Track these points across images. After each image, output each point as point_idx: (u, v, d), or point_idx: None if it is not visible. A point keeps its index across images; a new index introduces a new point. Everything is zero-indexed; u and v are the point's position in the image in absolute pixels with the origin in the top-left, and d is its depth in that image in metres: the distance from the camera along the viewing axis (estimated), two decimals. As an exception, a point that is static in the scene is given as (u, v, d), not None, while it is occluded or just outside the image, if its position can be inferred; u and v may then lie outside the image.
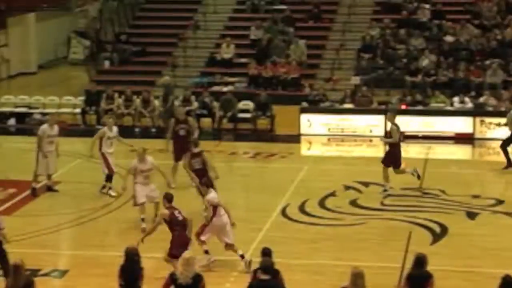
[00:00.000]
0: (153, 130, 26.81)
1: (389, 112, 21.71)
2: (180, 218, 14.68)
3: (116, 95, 27.68)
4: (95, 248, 15.64)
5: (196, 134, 20.49)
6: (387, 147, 20.49)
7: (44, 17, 37.00)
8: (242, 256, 15.43)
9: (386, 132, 21.11)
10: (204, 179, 16.52)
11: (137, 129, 26.88)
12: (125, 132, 26.01)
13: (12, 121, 28.01)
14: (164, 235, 14.79)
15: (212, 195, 15.56)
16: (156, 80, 29.23)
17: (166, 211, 14.69)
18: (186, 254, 11.78)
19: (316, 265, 15.94)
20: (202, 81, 30.47)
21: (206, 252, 15.47)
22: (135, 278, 12.27)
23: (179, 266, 11.65)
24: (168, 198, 14.88)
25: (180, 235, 14.55)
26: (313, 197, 19.73)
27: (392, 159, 20.05)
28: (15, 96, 29.30)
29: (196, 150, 18.39)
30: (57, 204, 19.47)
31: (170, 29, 33.69)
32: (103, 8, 35.90)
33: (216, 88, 29.41)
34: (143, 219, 17.39)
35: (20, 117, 27.97)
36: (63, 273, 15.60)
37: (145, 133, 26.03)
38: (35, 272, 15.01)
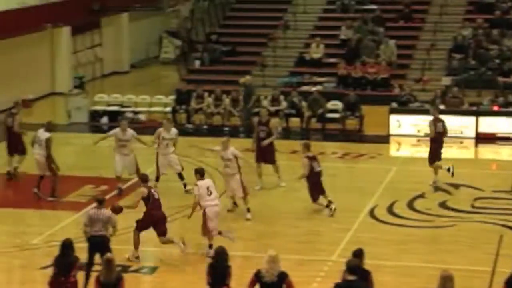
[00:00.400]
0: (242, 129, 26.97)
1: (433, 107, 22.61)
2: (157, 196, 15.69)
3: (206, 94, 27.94)
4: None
5: (274, 137, 20.54)
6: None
7: (136, 17, 37.62)
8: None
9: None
10: (197, 167, 16.89)
11: (226, 128, 27.06)
12: (214, 131, 26.37)
13: (105, 119, 28.50)
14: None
15: (198, 183, 16.04)
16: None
17: (144, 189, 15.69)
18: (271, 252, 11.77)
19: (405, 267, 15.84)
20: (291, 81, 30.49)
21: (210, 246, 15.85)
22: (223, 276, 12.39)
23: (264, 263, 11.67)
24: (143, 178, 16.05)
25: (155, 212, 15.62)
26: (402, 199, 19.58)
27: (429, 154, 20.50)
28: (108, 94, 29.86)
29: (310, 154, 18.67)
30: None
31: (260, 29, 33.82)
32: (194, 8, 36.28)
33: (304, 88, 29.40)
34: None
35: (113, 115, 28.42)
36: (153, 269, 15.87)
37: (234, 132, 26.18)
38: (126, 268, 15.31)
